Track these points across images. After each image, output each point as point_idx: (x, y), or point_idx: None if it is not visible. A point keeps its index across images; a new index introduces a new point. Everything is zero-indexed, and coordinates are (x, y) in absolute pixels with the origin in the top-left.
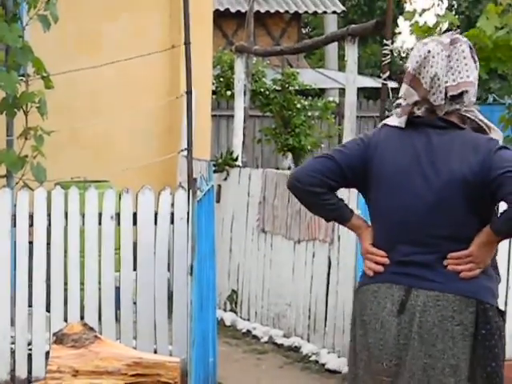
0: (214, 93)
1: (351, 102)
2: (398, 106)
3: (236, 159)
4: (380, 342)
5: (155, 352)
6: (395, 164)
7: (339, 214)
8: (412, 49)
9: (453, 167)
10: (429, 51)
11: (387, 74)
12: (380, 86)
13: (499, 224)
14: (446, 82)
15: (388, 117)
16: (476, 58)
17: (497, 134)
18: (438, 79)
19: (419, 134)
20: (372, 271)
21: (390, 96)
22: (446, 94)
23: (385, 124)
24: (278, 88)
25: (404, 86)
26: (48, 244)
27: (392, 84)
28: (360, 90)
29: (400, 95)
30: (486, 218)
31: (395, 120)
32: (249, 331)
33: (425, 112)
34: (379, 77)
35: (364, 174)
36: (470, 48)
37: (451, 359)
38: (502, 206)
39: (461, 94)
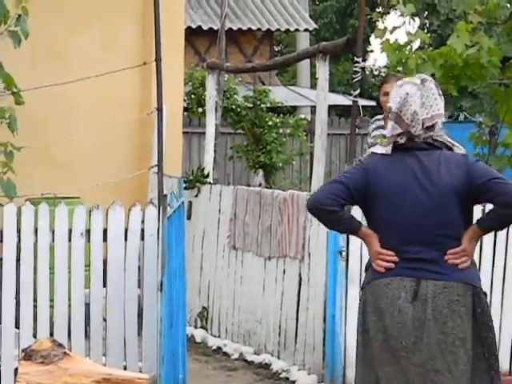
0: (185, 110)
1: (322, 119)
2: (389, 139)
3: (207, 176)
4: (398, 324)
5: (125, 368)
6: (395, 181)
7: (352, 226)
8: (384, 67)
9: (444, 179)
10: (407, 93)
11: (358, 91)
12: (351, 103)
13: (488, 222)
14: (422, 115)
15: (358, 134)
16: (440, 92)
17: (460, 150)
18: (417, 114)
19: (409, 155)
20: (383, 268)
21: (361, 113)
22: (423, 125)
23: (373, 152)
24: (249, 105)
25: (390, 123)
26: (17, 260)
27: (363, 101)
28: (332, 107)
29: (387, 131)
30: (469, 219)
31: (382, 149)
32: (219, 348)
33: (406, 140)
34: (351, 95)
35: (366, 193)
36: (435, 85)
37: (460, 334)
38: (488, 207)
39: (434, 125)
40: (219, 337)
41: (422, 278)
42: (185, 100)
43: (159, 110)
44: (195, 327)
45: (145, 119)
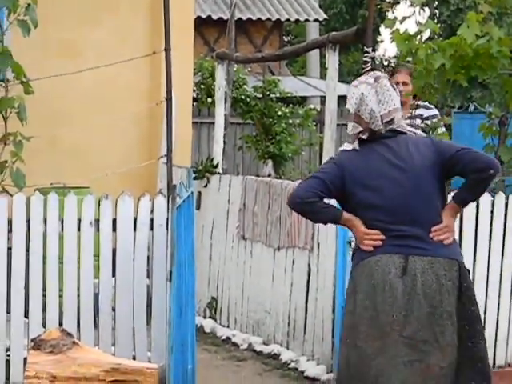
0: (195, 100)
1: (332, 109)
2: (352, 137)
3: (216, 166)
4: (389, 299)
5: (134, 358)
6: (372, 168)
7: (334, 213)
8: (394, 57)
9: (417, 159)
10: (362, 93)
11: None
12: None
13: (462, 194)
14: (380, 111)
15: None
16: (395, 86)
17: (420, 133)
18: (374, 112)
19: (378, 144)
20: (372, 247)
21: None
22: (381, 120)
23: (343, 150)
24: (259, 95)
25: (350, 124)
26: (27, 250)
27: None
28: (342, 97)
29: (348, 131)
30: (445, 195)
31: (350, 146)
32: (228, 338)
33: (368, 136)
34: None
35: (343, 186)
36: (389, 80)
37: (447, 307)
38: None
39: (392, 118)
40: (228, 327)
41: (410, 254)
42: (194, 90)
43: (168, 99)
44: (204, 317)
45: (154, 109)
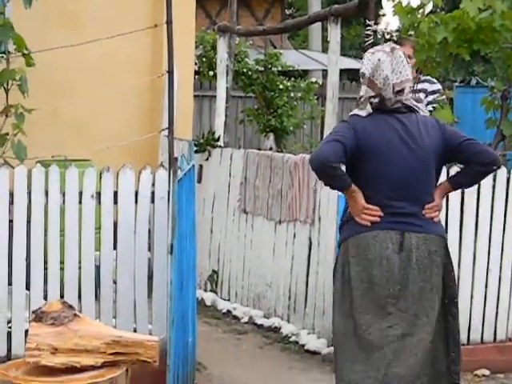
0: (196, 73)
1: (334, 82)
2: (360, 100)
3: (218, 139)
4: (386, 273)
5: (135, 331)
6: (383, 140)
7: (346, 182)
8: (396, 30)
9: (426, 140)
10: (379, 59)
11: None
12: None
13: (460, 179)
14: (393, 80)
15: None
16: (408, 60)
17: (425, 113)
18: (388, 79)
19: (391, 118)
20: (369, 222)
21: None
22: (393, 89)
23: (356, 114)
24: (260, 69)
25: (363, 87)
26: (28, 222)
27: None
28: (343, 71)
29: (360, 94)
30: (438, 177)
31: (363, 112)
32: (229, 311)
33: (378, 103)
34: (363, 58)
35: (356, 152)
36: (404, 53)
37: (436, 282)
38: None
39: (403, 89)
40: (229, 300)
41: (406, 231)
42: (196, 63)
43: (170, 72)
44: (205, 290)
45: (156, 82)
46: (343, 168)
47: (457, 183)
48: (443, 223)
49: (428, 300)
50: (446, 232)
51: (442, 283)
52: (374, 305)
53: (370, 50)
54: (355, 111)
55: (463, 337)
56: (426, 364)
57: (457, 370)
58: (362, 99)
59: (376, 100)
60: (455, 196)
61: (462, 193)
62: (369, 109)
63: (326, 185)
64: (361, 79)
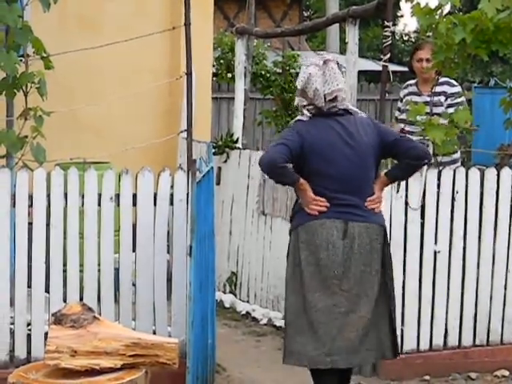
0: (214, 75)
1: (352, 84)
2: (300, 108)
3: (236, 141)
4: (332, 257)
5: (154, 333)
6: (325, 141)
7: (294, 178)
8: (414, 31)
9: (364, 138)
10: (310, 73)
11: (388, 56)
12: (381, 69)
13: (395, 172)
14: (324, 91)
15: (388, 100)
16: (342, 69)
17: (362, 114)
18: (318, 91)
19: (331, 120)
20: (317, 212)
21: (391, 78)
22: (325, 98)
23: (299, 120)
24: (278, 70)
25: (297, 98)
26: (47, 225)
27: (393, 67)
28: (361, 72)
29: (295, 103)
30: (377, 171)
31: (304, 117)
32: (248, 313)
33: (313, 109)
34: (381, 60)
35: (301, 152)
36: (337, 64)
37: (376, 265)
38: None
39: (335, 97)
40: (248, 302)
41: (349, 220)
42: (214, 65)
43: (188, 74)
44: (224, 292)
45: (174, 84)
46: (290, 166)
47: (392, 176)
48: (461, 223)
49: (368, 282)
50: (465, 231)
51: (381, 266)
52: (320, 285)
53: (306, 63)
54: (298, 117)
55: (483, 338)
56: (367, 339)
57: (397, 344)
58: (299, 107)
59: (310, 107)
60: (474, 196)
61: (482, 192)
62: (307, 114)
63: (276, 182)
64: (296, 91)
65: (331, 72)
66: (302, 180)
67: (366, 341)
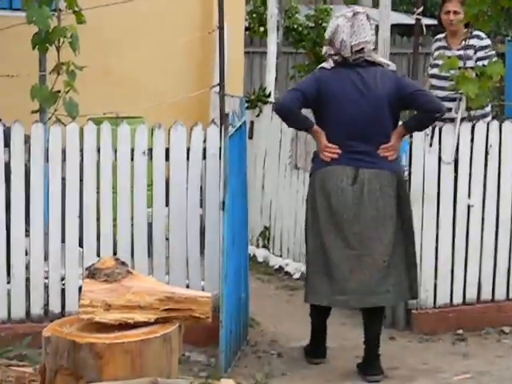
0: (247, 29)
1: (385, 38)
2: (324, 55)
3: (269, 95)
4: (341, 202)
5: (187, 287)
6: (340, 90)
7: (308, 123)
8: None
9: (379, 88)
10: (338, 24)
11: (421, 9)
12: (414, 22)
13: (413, 123)
14: (351, 42)
15: (421, 53)
16: (371, 22)
17: (390, 66)
18: (345, 42)
19: (351, 70)
20: (330, 158)
21: (424, 32)
22: (351, 49)
23: (322, 67)
24: (311, 24)
25: (325, 47)
26: (80, 180)
27: (426, 20)
28: (394, 26)
29: (323, 52)
30: (396, 121)
31: (328, 65)
32: (281, 267)
33: (339, 59)
34: (414, 13)
35: (317, 98)
36: (367, 16)
37: (388, 211)
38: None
39: (362, 49)
40: (281, 256)
41: (360, 167)
42: (246, 19)
43: (221, 28)
44: (257, 246)
45: (206, 38)
46: (304, 112)
47: (408, 126)
48: (495, 177)
49: (381, 226)
50: (498, 185)
51: (400, 211)
52: (334, 228)
53: (336, 14)
54: (323, 64)
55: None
56: (385, 281)
57: (416, 287)
58: (326, 56)
59: (336, 57)
60: (508, 149)
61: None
62: (331, 63)
63: (290, 127)
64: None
65: (360, 24)
66: (315, 127)
67: (384, 283)
